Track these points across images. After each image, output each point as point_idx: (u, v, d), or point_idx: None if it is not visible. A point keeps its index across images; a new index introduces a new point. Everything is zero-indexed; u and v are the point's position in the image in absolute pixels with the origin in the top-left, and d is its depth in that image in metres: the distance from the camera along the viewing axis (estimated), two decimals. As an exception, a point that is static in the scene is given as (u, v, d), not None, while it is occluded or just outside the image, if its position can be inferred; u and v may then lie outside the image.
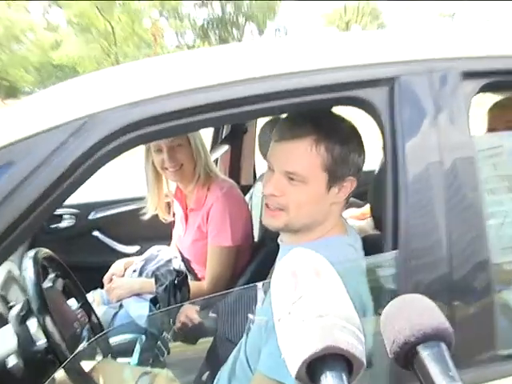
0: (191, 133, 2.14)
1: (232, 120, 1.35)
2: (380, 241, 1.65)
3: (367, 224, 2.84)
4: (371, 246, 1.70)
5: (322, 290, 0.61)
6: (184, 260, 2.35)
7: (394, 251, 1.12)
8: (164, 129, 1.01)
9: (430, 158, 1.12)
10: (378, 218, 1.55)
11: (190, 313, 1.76)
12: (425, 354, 0.61)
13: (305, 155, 1.23)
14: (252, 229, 2.32)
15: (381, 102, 1.14)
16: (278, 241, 1.42)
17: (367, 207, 3.15)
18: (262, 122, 2.64)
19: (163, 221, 2.43)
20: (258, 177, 2.89)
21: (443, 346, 0.62)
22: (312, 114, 1.27)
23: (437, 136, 1.11)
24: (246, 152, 3.05)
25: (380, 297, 1.19)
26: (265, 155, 2.44)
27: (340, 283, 0.64)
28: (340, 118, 1.33)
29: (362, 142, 1.31)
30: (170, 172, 2.18)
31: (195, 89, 1.05)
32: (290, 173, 1.24)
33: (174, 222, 2.47)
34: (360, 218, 3.07)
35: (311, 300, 0.60)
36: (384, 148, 1.17)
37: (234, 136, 2.97)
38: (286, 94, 1.11)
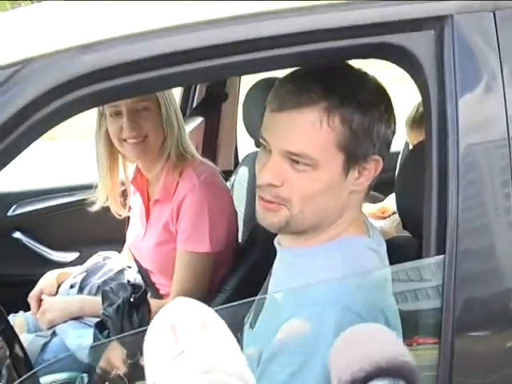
0: (162, 93, 2.11)
1: (214, 75, 1.33)
2: (409, 246, 1.68)
3: (388, 224, 2.85)
4: (396, 252, 1.73)
5: (207, 344, 0.67)
6: (142, 270, 2.33)
7: (438, 256, 1.13)
8: (125, 85, 0.99)
9: (494, 130, 1.12)
10: (407, 216, 1.57)
11: (113, 357, 1.73)
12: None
13: (313, 130, 1.22)
14: (237, 230, 2.32)
15: (425, 51, 1.13)
16: (275, 243, 1.41)
17: (387, 202, 3.17)
18: (247, 84, 2.58)
19: (116, 216, 2.41)
20: (241, 160, 2.88)
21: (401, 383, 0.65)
22: (321, 72, 1.25)
23: (503, 100, 1.12)
24: (226, 126, 3.03)
25: (414, 317, 1.20)
26: (251, 130, 2.42)
27: (230, 336, 0.69)
28: (359, 74, 1.31)
29: (391, 107, 1.29)
30: (129, 145, 2.14)
31: (172, 28, 1.04)
32: (293, 154, 1.22)
33: (128, 218, 2.44)
34: (377, 216, 3.08)
35: (195, 355, 0.65)
36: (427, 117, 1.17)
37: (210, 104, 2.95)
38: (286, 39, 1.10)
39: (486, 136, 1.13)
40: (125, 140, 2.13)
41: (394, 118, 1.30)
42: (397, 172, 3.27)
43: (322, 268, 1.26)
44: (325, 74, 1.24)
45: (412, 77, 1.20)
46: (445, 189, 1.13)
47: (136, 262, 2.35)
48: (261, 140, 1.29)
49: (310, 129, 1.21)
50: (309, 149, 1.21)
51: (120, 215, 2.40)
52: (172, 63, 1.04)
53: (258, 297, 1.41)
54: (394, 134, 1.30)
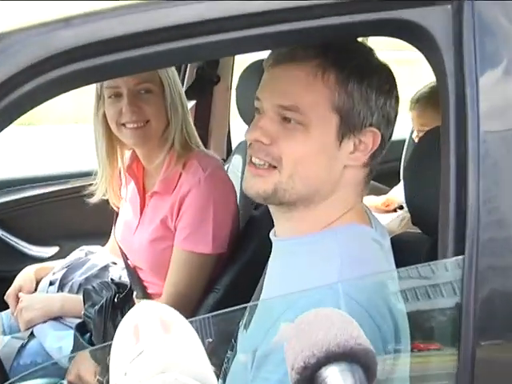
0: (166, 74, 2.08)
1: (206, 53, 1.28)
2: (419, 243, 1.65)
3: (396, 222, 2.82)
4: (405, 249, 1.69)
5: (167, 345, 0.69)
6: (129, 266, 2.29)
7: (456, 257, 1.11)
8: (114, 64, 0.96)
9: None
10: (417, 210, 1.55)
11: (82, 371, 1.73)
12: (327, 377, 0.67)
13: (306, 83, 1.25)
14: (239, 228, 2.27)
15: (441, 28, 1.11)
16: (270, 236, 1.40)
17: (392, 194, 3.15)
18: (241, 65, 2.55)
19: (114, 208, 2.38)
20: (234, 147, 2.87)
21: (356, 368, 0.68)
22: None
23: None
24: (218, 111, 3.02)
25: (428, 322, 1.18)
26: (245, 115, 2.40)
27: (194, 339, 0.72)
28: (358, 44, 1.33)
29: (392, 81, 1.32)
30: (128, 131, 2.09)
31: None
32: (286, 108, 1.25)
33: (116, 211, 2.42)
34: (382, 209, 3.05)
35: (153, 355, 0.68)
36: (444, 102, 1.14)
37: (200, 87, 2.92)
38: (285, 15, 1.08)
39: (510, 121, 1.11)
40: (123, 125, 2.08)
41: (397, 95, 1.31)
42: (404, 162, 3.32)
43: (318, 259, 1.25)
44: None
45: (426, 57, 1.17)
46: (464, 181, 1.11)
47: (123, 256, 2.31)
48: (255, 102, 1.32)
49: (304, 82, 1.24)
50: (302, 103, 1.24)
51: (118, 207, 2.37)
52: (162, 39, 1.02)
53: (252, 303, 1.40)
54: (395, 111, 1.32)
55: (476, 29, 1.10)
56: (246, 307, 1.34)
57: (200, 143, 2.22)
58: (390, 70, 1.32)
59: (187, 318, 1.87)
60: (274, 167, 1.27)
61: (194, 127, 2.21)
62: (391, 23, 1.12)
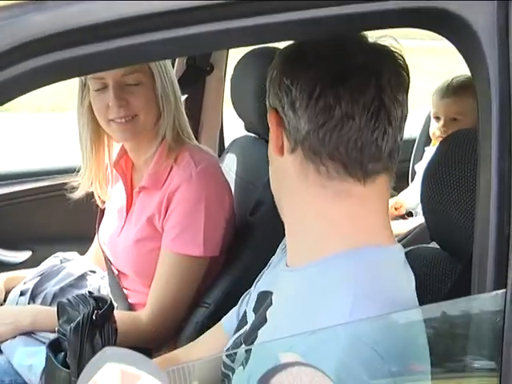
0: (157, 63, 2.06)
1: (199, 45, 1.20)
2: (439, 261, 1.58)
3: (398, 226, 2.76)
4: (420, 267, 1.63)
5: None
6: (111, 273, 2.28)
7: (497, 291, 1.05)
8: (96, 54, 0.91)
9: None
10: (437, 225, 1.51)
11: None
12: None
13: None
14: (233, 233, 2.25)
15: (484, 21, 1.05)
16: (282, 270, 1.37)
17: (402, 197, 3.10)
18: (237, 54, 2.56)
19: (100, 205, 2.36)
20: (227, 144, 2.88)
21: None
22: None
23: None
24: (210, 104, 3.02)
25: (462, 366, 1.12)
26: (240, 109, 2.39)
27: None
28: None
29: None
30: (116, 125, 2.09)
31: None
32: None
33: (97, 212, 2.40)
34: (390, 213, 3.01)
35: None
36: (484, 103, 1.09)
37: (191, 78, 2.92)
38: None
39: None
40: (111, 120, 2.08)
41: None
42: (412, 162, 3.31)
43: (329, 291, 1.19)
44: None
45: (463, 52, 1.13)
46: (508, 200, 1.05)
47: (107, 262, 2.30)
48: None
49: None
50: None
51: (104, 202, 2.37)
52: (152, 27, 0.96)
53: (255, 345, 1.31)
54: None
55: None
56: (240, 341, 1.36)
57: (192, 136, 2.23)
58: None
59: (172, 333, 1.78)
60: None
61: (186, 119, 2.22)
62: (425, 13, 1.08)
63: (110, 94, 2.03)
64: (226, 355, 1.35)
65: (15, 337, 2.13)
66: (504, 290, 1.04)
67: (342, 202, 1.22)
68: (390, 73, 1.20)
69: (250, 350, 1.25)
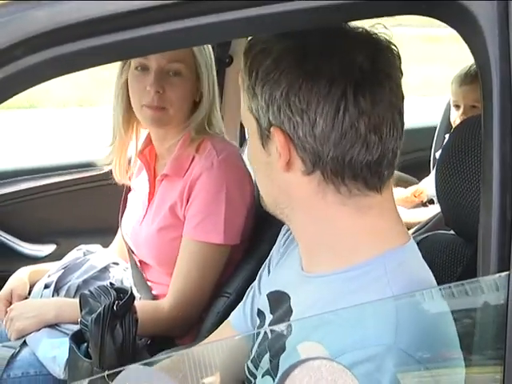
0: (203, 54, 2.09)
1: (210, 36, 1.19)
2: (454, 246, 1.59)
3: (418, 215, 2.76)
4: (437, 252, 1.64)
5: None
6: (134, 265, 2.29)
7: (500, 274, 1.05)
8: (106, 47, 0.92)
9: None
10: (451, 210, 1.52)
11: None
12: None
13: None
14: (254, 222, 2.25)
15: (485, 8, 1.04)
16: (300, 274, 1.32)
17: (423, 185, 3.09)
18: None
19: (118, 183, 2.37)
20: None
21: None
22: None
23: None
24: (230, 95, 2.98)
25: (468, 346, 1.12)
26: None
27: None
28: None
29: (283, 64, 1.16)
30: (146, 112, 2.10)
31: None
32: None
33: (123, 202, 2.42)
34: (411, 200, 3.01)
35: None
36: (486, 90, 1.08)
37: None
38: None
39: None
40: (145, 105, 2.10)
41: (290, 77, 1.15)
42: (434, 150, 3.29)
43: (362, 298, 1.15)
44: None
45: (465, 39, 1.12)
46: (510, 185, 1.05)
47: (129, 252, 2.32)
48: None
49: None
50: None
51: (120, 183, 2.38)
52: (152, 21, 0.96)
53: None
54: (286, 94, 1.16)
55: None
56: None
57: (223, 130, 2.25)
58: (278, 52, 1.17)
59: (194, 321, 1.79)
60: None
61: (220, 116, 2.24)
62: (427, 0, 1.08)
63: (151, 78, 2.05)
64: (251, 360, 1.35)
65: (40, 329, 2.15)
66: (507, 273, 1.03)
67: (364, 216, 1.19)
68: (398, 71, 1.17)
69: (278, 359, 1.22)
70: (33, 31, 0.89)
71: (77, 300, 2.02)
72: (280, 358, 1.22)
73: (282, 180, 1.20)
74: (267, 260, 1.54)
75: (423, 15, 1.14)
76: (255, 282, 1.54)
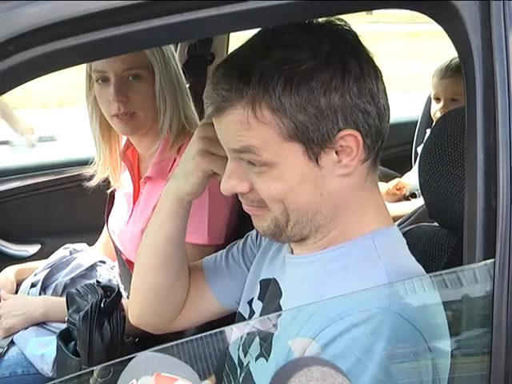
0: (157, 57, 2.05)
1: (198, 31, 1.17)
2: (438, 238, 1.60)
3: (401, 208, 2.76)
4: (422, 245, 1.65)
5: None
6: (122, 263, 2.27)
7: (486, 261, 1.07)
8: (90, 44, 0.91)
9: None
10: (434, 203, 1.53)
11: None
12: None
13: (245, 127, 1.18)
14: (236, 221, 2.23)
15: (469, 6, 1.05)
16: (286, 255, 1.37)
17: (402, 180, 3.10)
18: (237, 41, 2.52)
19: (118, 188, 2.33)
20: None
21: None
22: (241, 57, 1.23)
23: None
24: None
25: (456, 332, 1.15)
26: None
27: None
28: (290, 41, 1.19)
29: (340, 68, 1.17)
30: (117, 121, 2.09)
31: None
32: (239, 151, 1.21)
33: (109, 201, 2.40)
34: (392, 194, 3.01)
35: None
36: (469, 83, 1.10)
37: (193, 67, 2.83)
38: None
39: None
40: (114, 115, 2.08)
41: (358, 76, 1.18)
42: (415, 145, 3.29)
43: (360, 275, 1.20)
44: (246, 58, 1.20)
45: (448, 32, 1.13)
46: (494, 174, 1.06)
47: (117, 251, 2.30)
48: None
49: (240, 126, 1.18)
50: (251, 144, 1.18)
51: (119, 188, 2.36)
52: (144, 16, 0.96)
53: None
54: (362, 95, 1.18)
55: (506, 4, 1.06)
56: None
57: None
58: (326, 59, 1.16)
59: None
60: (264, 206, 1.24)
61: (194, 112, 2.19)
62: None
63: (111, 88, 2.03)
64: (239, 349, 1.35)
65: (27, 328, 2.15)
66: (493, 260, 1.05)
67: (372, 194, 1.27)
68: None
69: (271, 339, 1.24)
70: (25, 27, 0.89)
71: (64, 298, 2.01)
72: (272, 338, 1.24)
73: (333, 187, 1.21)
74: (251, 236, 1.57)
75: (407, 9, 1.16)
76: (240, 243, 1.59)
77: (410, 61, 12.58)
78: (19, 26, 0.90)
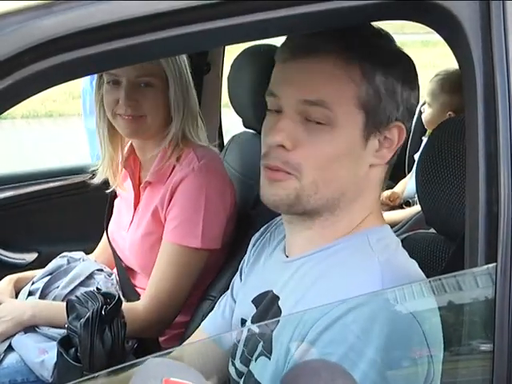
0: (172, 68, 2.07)
1: (203, 43, 1.22)
2: (436, 245, 1.61)
3: (395, 216, 2.78)
4: (419, 252, 1.66)
5: None
6: (122, 270, 2.27)
7: (488, 265, 1.08)
8: (106, 54, 0.92)
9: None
10: (432, 210, 1.53)
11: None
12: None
13: (331, 76, 1.23)
14: (236, 228, 2.26)
15: (468, 12, 1.07)
16: (282, 261, 1.37)
17: (397, 189, 3.11)
18: (233, 52, 2.55)
19: (118, 190, 2.35)
20: (226, 142, 2.84)
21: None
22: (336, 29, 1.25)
23: None
24: (208, 102, 2.99)
25: (457, 336, 1.16)
26: (238, 106, 2.38)
27: None
28: (377, 32, 1.29)
29: (413, 70, 1.31)
30: (122, 120, 2.10)
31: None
32: (312, 103, 1.22)
33: (109, 209, 2.40)
34: (385, 203, 3.02)
35: None
36: (469, 91, 1.11)
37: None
38: None
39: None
40: (118, 114, 2.09)
41: (418, 84, 1.30)
42: (408, 152, 3.30)
43: (354, 268, 1.23)
44: (339, 31, 1.24)
45: (449, 43, 1.14)
46: (495, 179, 1.07)
47: (116, 259, 2.31)
48: (268, 100, 1.28)
49: (328, 74, 1.22)
50: (328, 97, 1.21)
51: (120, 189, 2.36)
52: (157, 27, 0.98)
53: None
54: (417, 101, 1.32)
55: (506, 14, 1.07)
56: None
57: (202, 135, 2.23)
58: (411, 59, 1.30)
59: (170, 321, 1.78)
60: (291, 173, 1.24)
61: (201, 124, 2.22)
62: (412, 5, 1.09)
63: (122, 92, 2.04)
64: (239, 361, 1.37)
65: (26, 333, 2.13)
66: (494, 264, 1.06)
67: (380, 195, 1.35)
68: None
69: (271, 342, 1.25)
70: (40, 39, 0.90)
71: (54, 302, 2.10)
72: (272, 335, 1.25)
73: (364, 172, 1.27)
74: (239, 268, 1.58)
75: (407, 20, 1.17)
76: (228, 292, 1.58)
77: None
78: (34, 37, 0.91)
